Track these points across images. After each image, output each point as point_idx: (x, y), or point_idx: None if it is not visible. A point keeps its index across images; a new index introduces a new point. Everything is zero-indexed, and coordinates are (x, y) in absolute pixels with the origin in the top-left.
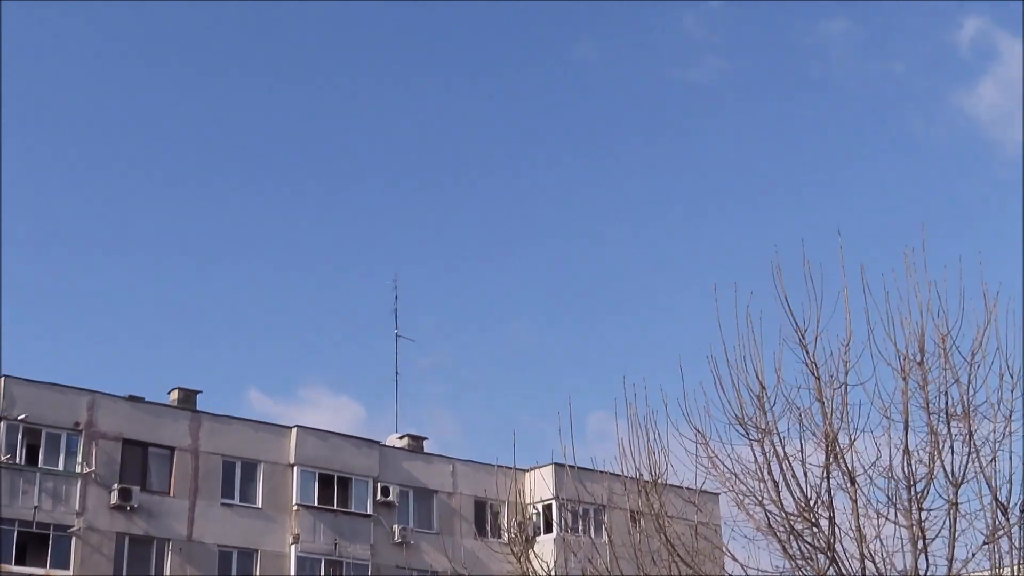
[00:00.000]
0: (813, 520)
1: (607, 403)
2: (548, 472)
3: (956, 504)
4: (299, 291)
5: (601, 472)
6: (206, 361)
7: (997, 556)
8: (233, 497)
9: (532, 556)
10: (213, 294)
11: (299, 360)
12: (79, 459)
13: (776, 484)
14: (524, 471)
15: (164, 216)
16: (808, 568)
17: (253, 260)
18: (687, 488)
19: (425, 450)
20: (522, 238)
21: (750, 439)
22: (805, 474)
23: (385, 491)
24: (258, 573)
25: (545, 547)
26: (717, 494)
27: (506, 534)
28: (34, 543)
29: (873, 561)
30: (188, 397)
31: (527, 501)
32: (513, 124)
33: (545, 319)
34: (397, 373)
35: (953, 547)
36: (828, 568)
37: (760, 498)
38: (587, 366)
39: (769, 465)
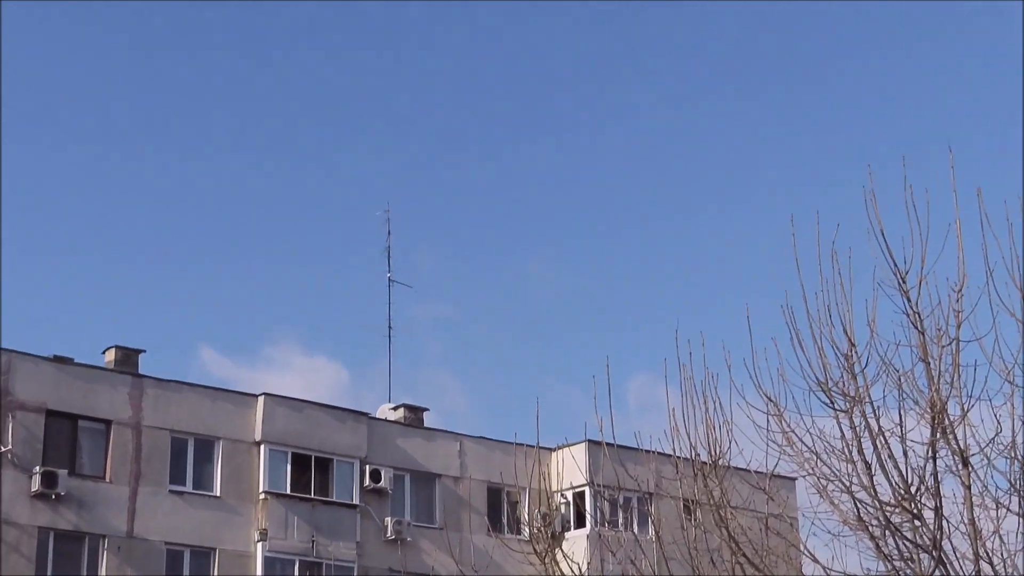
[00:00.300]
0: (915, 511)
1: (654, 364)
2: (580, 452)
3: None
4: (264, 225)
5: (647, 451)
6: (149, 313)
7: None
8: (184, 483)
9: (560, 556)
10: (156, 230)
11: (264, 311)
12: None
13: (868, 466)
14: (550, 450)
15: (92, 129)
16: (909, 571)
17: (204, 187)
18: (755, 472)
19: (425, 424)
20: (541, 156)
21: (835, 409)
22: (905, 454)
23: (375, 475)
24: None
25: (576, 545)
26: (793, 479)
27: (527, 529)
28: None
29: (990, 562)
30: (127, 358)
31: (554, 488)
32: (524, 22)
33: (572, 258)
34: (390, 328)
35: None
36: (934, 570)
37: (848, 484)
38: (627, 317)
39: (859, 442)
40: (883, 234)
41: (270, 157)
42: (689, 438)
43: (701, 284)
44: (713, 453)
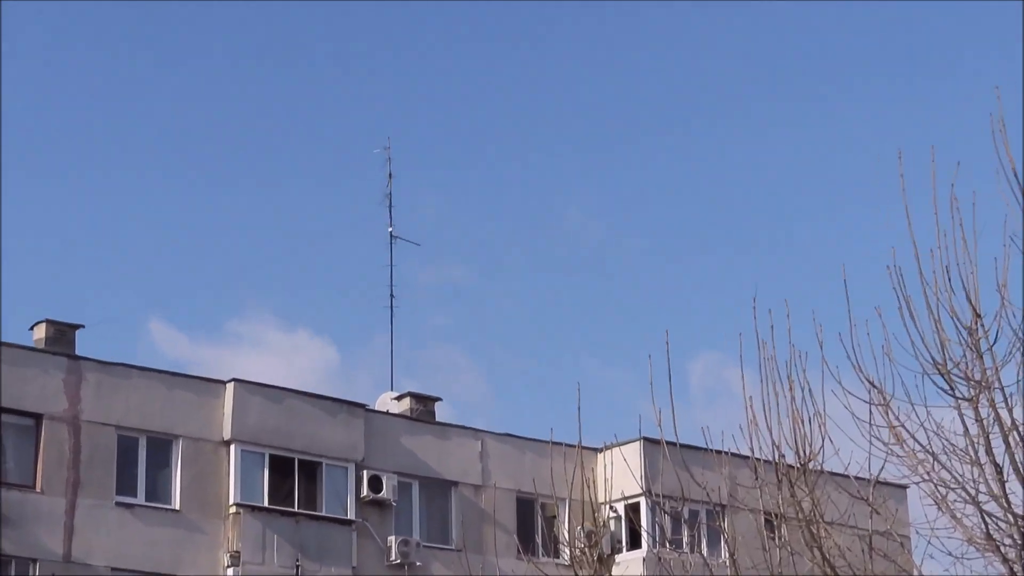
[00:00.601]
0: None
1: (724, 341)
2: (633, 452)
3: None
4: (227, 167)
5: (717, 452)
6: (87, 279)
7: None
8: (134, 493)
9: None
10: (93, 172)
11: (231, 275)
12: None
13: (999, 469)
14: (595, 451)
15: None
16: None
17: (154, 120)
18: (856, 478)
19: (437, 418)
20: (576, 69)
21: (956, 398)
22: None
23: (375, 483)
24: None
25: (630, 569)
26: (904, 487)
27: (568, 550)
28: None
29: None
30: (61, 335)
31: (601, 499)
32: None
33: (620, 204)
34: (392, 297)
35: None
36: None
37: (973, 492)
38: (691, 279)
39: (987, 439)
40: (1017, 175)
41: (234, 75)
42: (771, 435)
43: (785, 238)
44: (802, 454)
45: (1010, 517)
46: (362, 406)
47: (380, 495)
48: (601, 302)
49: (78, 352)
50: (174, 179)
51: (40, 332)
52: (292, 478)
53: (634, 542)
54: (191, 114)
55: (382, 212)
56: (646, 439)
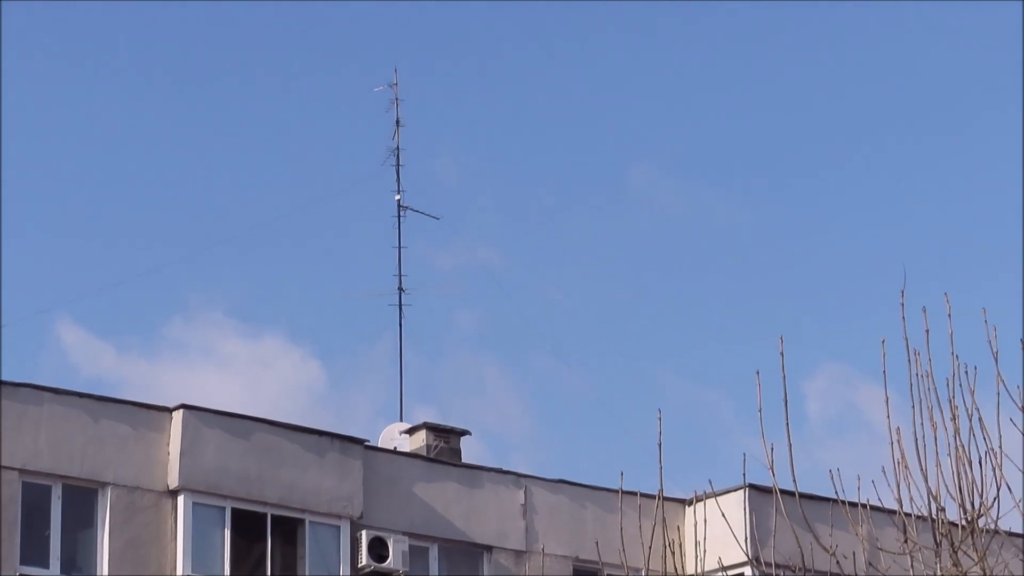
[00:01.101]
0: None
1: (853, 350)
2: (734, 505)
3: None
4: (166, 107)
5: (851, 505)
6: None
7: None
8: (46, 563)
9: None
10: None
11: (167, 262)
12: None
13: None
14: (682, 503)
15: None
16: None
17: (63, 44)
18: None
19: (464, 458)
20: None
21: None
22: None
23: (378, 547)
24: None
25: None
26: None
27: None
28: None
29: None
30: None
31: (690, 569)
32: None
33: (700, 162)
34: (401, 291)
35: None
36: None
37: None
38: (805, 265)
39: None
40: None
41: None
42: (926, 480)
43: (939, 210)
44: (969, 507)
45: None
46: (360, 442)
47: (385, 564)
48: (683, 294)
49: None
50: (87, 131)
51: None
52: (263, 541)
53: None
54: (117, 50)
55: (384, 174)
56: (752, 487)
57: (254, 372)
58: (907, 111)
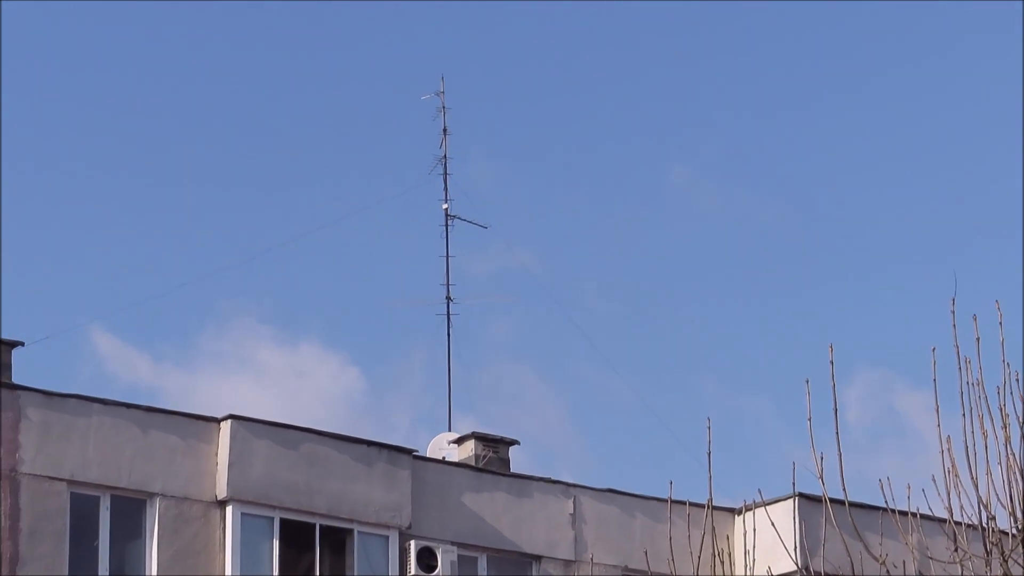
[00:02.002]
0: None
1: (894, 354)
2: (784, 514)
3: None
4: (207, 116)
5: (901, 514)
6: (23, 281)
7: None
8: (95, 574)
9: None
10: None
11: (200, 271)
12: None
13: None
14: (732, 512)
15: None
16: None
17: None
18: None
19: (513, 468)
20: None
21: None
22: None
23: (427, 557)
24: None
25: None
26: None
27: None
28: None
29: None
30: None
31: None
32: None
33: (740, 165)
34: (449, 300)
35: None
36: None
37: None
38: (854, 264)
39: None
40: None
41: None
42: (976, 489)
43: (984, 214)
44: (1020, 515)
45: None
46: (409, 452)
47: (434, 574)
48: (728, 299)
49: (15, 380)
50: (122, 144)
51: None
52: (312, 551)
53: None
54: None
55: (435, 180)
56: (802, 496)
57: (291, 379)
58: (957, 114)
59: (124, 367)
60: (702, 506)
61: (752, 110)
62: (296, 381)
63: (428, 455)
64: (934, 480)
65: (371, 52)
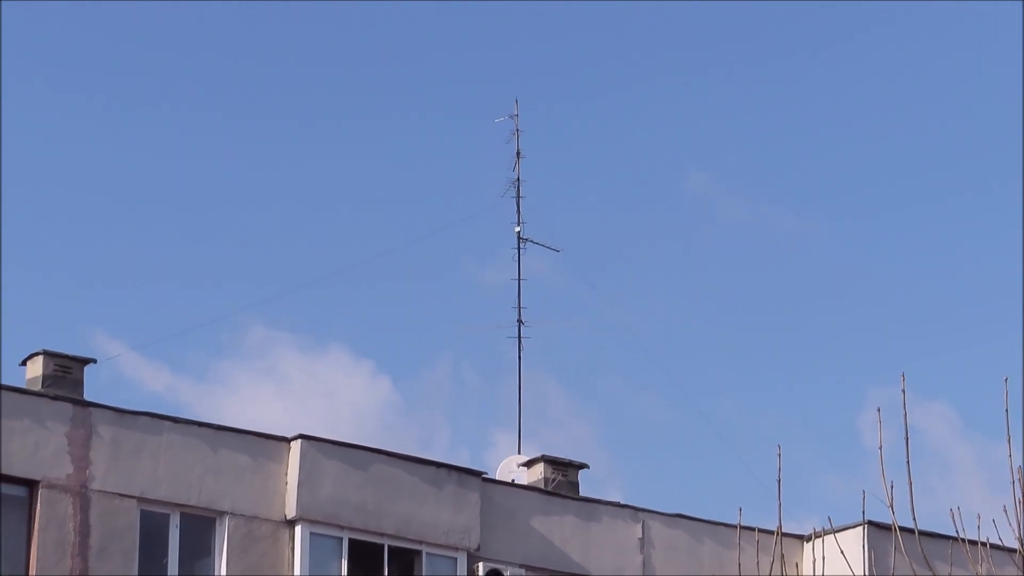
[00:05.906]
0: None
1: (968, 384)
2: (854, 542)
3: None
4: (285, 146)
5: (971, 543)
6: (98, 292)
7: None
8: None
9: None
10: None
11: (269, 292)
12: None
13: None
14: (801, 539)
15: None
16: None
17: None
18: None
19: (582, 492)
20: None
21: None
22: None
23: None
24: None
25: None
26: None
27: None
28: None
29: None
30: (66, 374)
31: None
32: None
33: (758, 167)
34: (520, 323)
35: None
36: None
37: None
38: (919, 283)
39: None
40: None
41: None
42: None
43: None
44: None
45: None
46: (478, 475)
47: None
48: (796, 321)
49: (87, 396)
50: (180, 157)
51: (35, 368)
52: (380, 572)
53: None
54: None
55: (509, 203)
56: (871, 524)
57: (324, 392)
58: (959, 118)
59: (145, 377)
60: (771, 532)
61: (770, 115)
62: (363, 399)
63: (497, 478)
64: (1005, 510)
65: (439, 73)
